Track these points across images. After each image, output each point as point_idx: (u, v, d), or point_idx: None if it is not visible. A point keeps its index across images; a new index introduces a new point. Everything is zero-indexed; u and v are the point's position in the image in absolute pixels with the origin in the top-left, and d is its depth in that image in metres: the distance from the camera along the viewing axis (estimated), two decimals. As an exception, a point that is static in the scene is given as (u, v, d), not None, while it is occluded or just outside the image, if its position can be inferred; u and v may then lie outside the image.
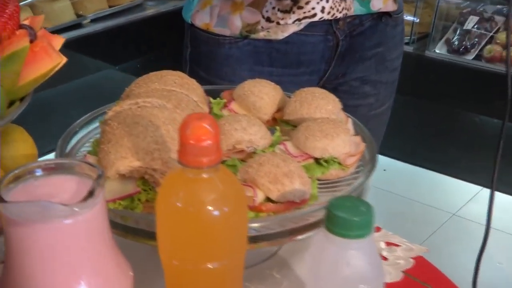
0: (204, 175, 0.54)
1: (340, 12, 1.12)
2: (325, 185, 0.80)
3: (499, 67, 2.45)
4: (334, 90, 1.20)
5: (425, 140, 2.77)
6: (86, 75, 2.78)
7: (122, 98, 0.88)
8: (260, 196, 0.71)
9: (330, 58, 1.18)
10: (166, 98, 0.81)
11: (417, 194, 2.58)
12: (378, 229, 0.92)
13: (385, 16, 1.19)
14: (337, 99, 0.90)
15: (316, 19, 1.11)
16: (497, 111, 2.59)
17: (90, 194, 0.59)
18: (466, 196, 2.59)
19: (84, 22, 2.56)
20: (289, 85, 1.13)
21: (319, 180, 0.79)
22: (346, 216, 0.60)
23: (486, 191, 2.60)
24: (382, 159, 2.71)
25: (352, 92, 1.25)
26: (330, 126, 0.80)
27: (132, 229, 0.71)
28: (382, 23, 1.20)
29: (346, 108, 1.19)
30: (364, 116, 1.24)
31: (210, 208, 0.55)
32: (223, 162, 0.81)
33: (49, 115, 2.58)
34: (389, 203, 2.49)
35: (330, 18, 1.12)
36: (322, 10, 1.10)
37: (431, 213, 2.51)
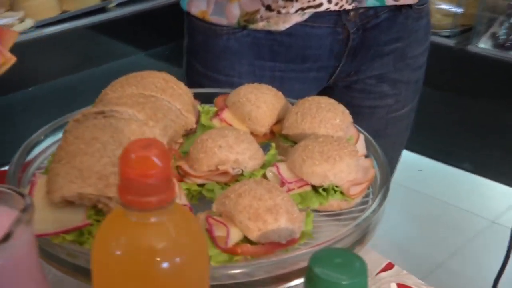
0: (152, 219, 0.44)
1: (350, 4, 0.99)
2: (326, 217, 0.69)
3: (549, 64, 2.27)
4: (347, 88, 1.11)
5: (466, 140, 2.58)
6: (113, 60, 2.69)
7: (96, 103, 0.76)
8: (236, 236, 0.60)
9: (340, 53, 1.05)
10: (139, 106, 0.69)
11: (453, 198, 2.40)
12: (390, 266, 0.77)
13: (405, 7, 1.04)
14: (347, 112, 0.77)
15: (321, 9, 0.98)
16: (544, 111, 2.41)
17: (6, 237, 0.47)
18: (507, 202, 2.41)
19: (110, 6, 2.46)
20: (295, 82, 1.01)
21: (318, 211, 0.68)
22: (332, 279, 0.47)
23: (531, 198, 2.44)
24: (418, 159, 2.55)
25: (368, 91, 1.11)
26: (333, 147, 0.68)
27: (83, 269, 0.59)
28: (401, 15, 1.06)
29: (362, 110, 1.04)
30: (382, 119, 1.12)
31: (158, 259, 0.45)
32: (201, 185, 0.69)
33: (73, 103, 2.50)
34: (423, 205, 2.33)
35: (337, 9, 0.99)
36: (329, 0, 0.97)
37: (468, 219, 2.33)
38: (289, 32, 1.01)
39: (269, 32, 1.01)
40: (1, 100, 2.10)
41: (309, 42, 1.02)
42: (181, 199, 0.64)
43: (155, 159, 0.43)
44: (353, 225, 0.64)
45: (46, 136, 0.76)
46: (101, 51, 2.65)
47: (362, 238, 0.65)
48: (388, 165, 0.73)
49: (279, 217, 0.59)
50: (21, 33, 2.01)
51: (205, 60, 1.07)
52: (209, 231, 0.59)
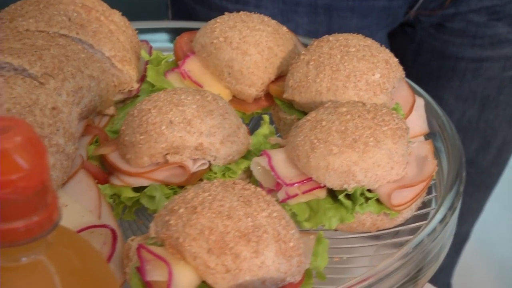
0: (21, 260, 0.43)
1: None
2: (357, 239, 0.71)
3: None
4: (438, 28, 1.09)
5: None
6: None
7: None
8: (186, 280, 0.57)
9: None
10: (34, 54, 0.67)
11: None
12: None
13: None
14: (394, 60, 0.73)
15: None
16: None
17: None
18: None
19: None
20: (351, 16, 1.01)
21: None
22: None
23: None
24: None
25: (473, 35, 1.10)
26: (365, 122, 0.66)
27: None
28: None
29: (460, 64, 1.07)
30: (493, 79, 1.10)
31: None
32: (138, 189, 0.67)
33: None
34: None
35: None
36: None
37: None
38: None
39: None
40: None
41: None
42: (103, 214, 0.63)
43: (17, 156, 0.40)
44: (401, 253, 0.62)
45: None
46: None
47: (416, 274, 0.64)
48: (462, 151, 0.69)
49: (262, 248, 0.56)
50: None
51: None
52: (140, 272, 0.57)
